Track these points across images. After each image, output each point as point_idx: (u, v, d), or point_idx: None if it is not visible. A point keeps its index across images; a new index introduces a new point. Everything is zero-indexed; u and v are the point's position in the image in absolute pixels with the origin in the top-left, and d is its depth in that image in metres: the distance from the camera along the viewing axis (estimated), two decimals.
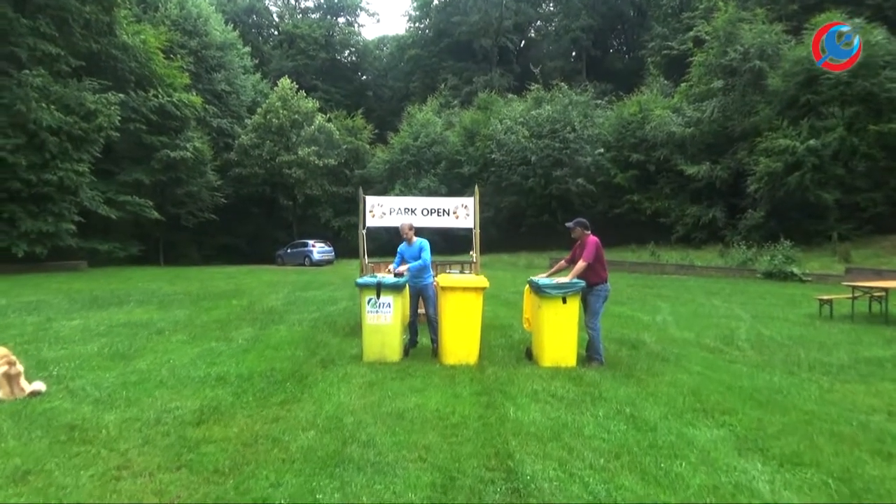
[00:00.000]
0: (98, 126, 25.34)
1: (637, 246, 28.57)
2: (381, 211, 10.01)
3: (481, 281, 7.21)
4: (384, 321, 7.04)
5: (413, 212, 9.99)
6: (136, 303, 13.13)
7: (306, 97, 41.38)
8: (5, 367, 5.48)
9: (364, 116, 47.20)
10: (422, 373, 6.47)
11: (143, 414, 4.97)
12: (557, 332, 6.83)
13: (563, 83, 36.54)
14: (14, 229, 23.45)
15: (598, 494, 3.51)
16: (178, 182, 33.63)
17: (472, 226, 10.04)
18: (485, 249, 30.46)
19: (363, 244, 10.04)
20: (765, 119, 26.37)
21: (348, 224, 37.79)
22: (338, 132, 41.06)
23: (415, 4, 61.35)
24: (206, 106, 37.66)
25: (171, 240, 36.66)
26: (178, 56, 34.85)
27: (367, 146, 44.66)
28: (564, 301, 6.82)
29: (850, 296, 11.29)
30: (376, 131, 46.16)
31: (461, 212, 10.05)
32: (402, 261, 8.04)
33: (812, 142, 23.60)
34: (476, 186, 11.13)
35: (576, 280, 6.95)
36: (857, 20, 24.48)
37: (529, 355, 7.32)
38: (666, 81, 36.88)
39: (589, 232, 7.26)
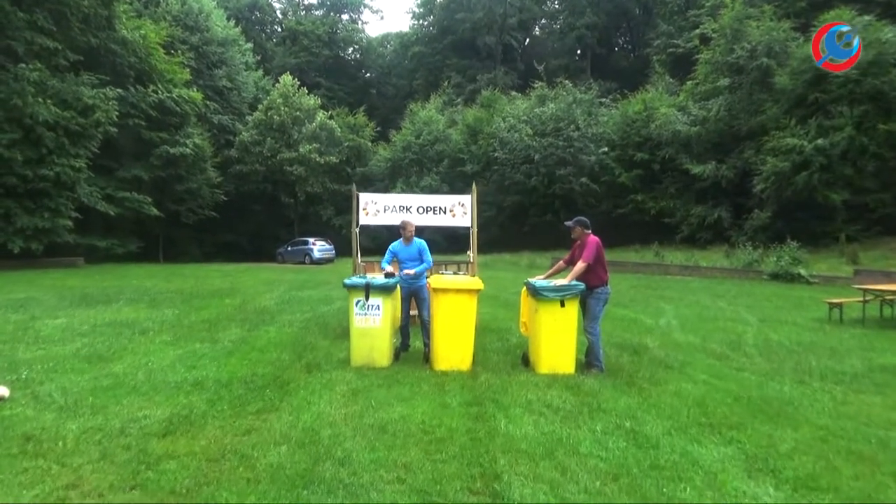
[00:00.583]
0: (96, 121, 25.05)
1: (640, 246, 28.18)
2: (375, 208, 9.66)
3: (475, 283, 6.84)
4: (373, 324, 6.68)
5: (408, 209, 9.64)
6: (127, 301, 12.81)
7: (308, 94, 41.05)
8: None
9: (367, 114, 46.92)
10: (411, 380, 6.12)
11: (107, 423, 4.63)
12: (555, 337, 6.47)
13: (567, 81, 36.11)
14: (10, 225, 23.15)
15: None
16: (178, 179, 33.36)
17: (469, 224, 9.69)
18: (486, 249, 30.33)
19: (356, 242, 9.69)
20: (772, 118, 25.91)
21: (350, 222, 37.42)
22: (339, 129, 40.78)
23: (419, 1, 60.98)
24: (207, 102, 37.38)
25: (171, 237, 36.43)
26: (179, 52, 34.53)
27: (369, 144, 44.38)
28: (562, 304, 6.46)
29: (861, 299, 10.90)
30: (378, 129, 45.88)
31: (458, 210, 9.70)
32: (394, 260, 7.69)
33: (820, 141, 23.16)
34: (474, 184, 10.76)
35: (575, 282, 6.59)
36: (866, 17, 24.05)
37: (526, 361, 6.97)
38: (671, 80, 36.41)
39: (589, 231, 6.89)
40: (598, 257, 6.75)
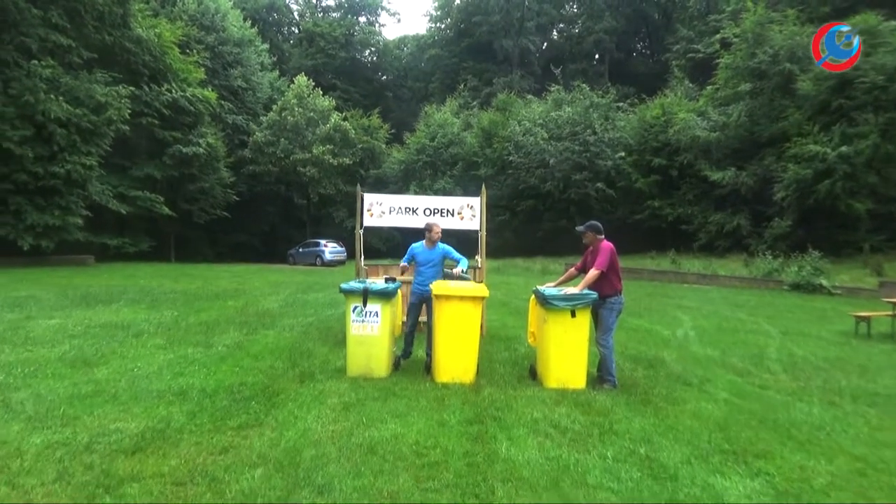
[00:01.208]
0: (108, 119, 24.91)
1: (657, 253, 27.63)
2: (380, 210, 9.28)
3: (480, 290, 6.42)
4: (370, 332, 6.29)
5: (414, 211, 9.26)
6: (127, 301, 12.53)
7: (323, 95, 40.86)
8: None
9: (382, 117, 46.66)
10: (409, 392, 5.71)
11: (74, 437, 4.26)
12: (565, 349, 6.05)
13: (584, 85, 35.63)
14: (20, 222, 23.03)
15: None
16: (191, 178, 33.26)
17: (478, 228, 9.28)
18: (499, 254, 29.86)
19: (360, 244, 9.31)
20: (794, 124, 25.24)
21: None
22: (353, 131, 40.53)
23: (436, 4, 60.73)
24: (222, 102, 37.30)
25: (183, 236, 36.31)
26: (195, 51, 34.48)
27: (383, 146, 44.12)
28: (573, 314, 6.03)
29: (892, 313, 10.35)
30: (392, 131, 45.60)
31: (467, 212, 9.29)
32: (412, 262, 7.24)
33: (844, 148, 22.49)
34: (483, 186, 10.35)
35: (587, 291, 6.16)
36: (893, 23, 23.41)
37: (533, 374, 6.54)
38: (691, 85, 35.79)
39: (602, 237, 6.46)
40: (612, 265, 6.32)
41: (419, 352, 7.47)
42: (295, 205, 43.40)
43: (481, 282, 8.88)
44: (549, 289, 6.54)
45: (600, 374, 6.38)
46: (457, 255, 7.28)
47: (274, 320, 10.38)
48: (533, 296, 6.73)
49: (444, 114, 41.19)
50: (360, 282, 6.67)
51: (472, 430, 4.65)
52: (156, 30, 30.67)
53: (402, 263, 7.33)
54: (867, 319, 10.46)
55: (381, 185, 37.73)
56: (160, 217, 31.44)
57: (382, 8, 65.61)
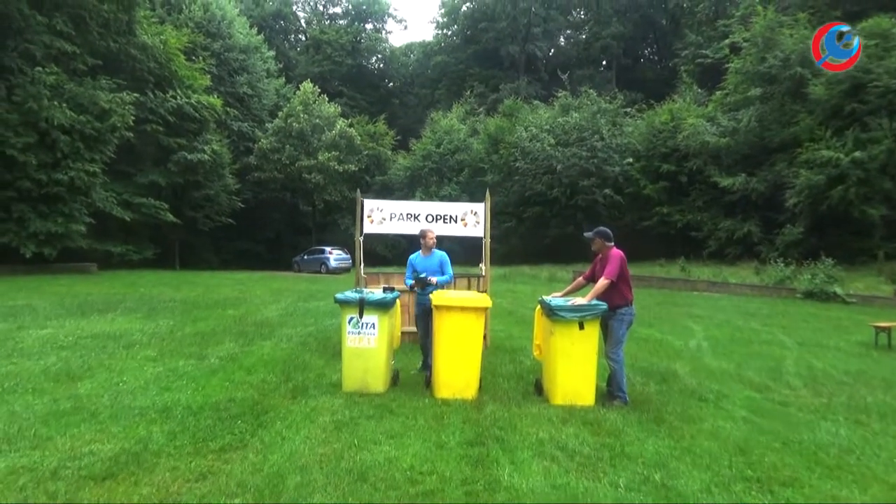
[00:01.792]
0: (111, 126, 24.74)
1: (666, 261, 27.19)
2: (381, 216, 8.97)
3: (482, 300, 6.07)
4: (367, 344, 5.96)
5: (416, 217, 8.95)
6: (125, 310, 12.25)
7: (328, 101, 40.70)
8: None
9: (389, 124, 46.50)
10: (406, 410, 5.38)
11: (42, 461, 3.95)
12: (572, 363, 5.70)
13: (591, 90, 35.30)
14: (23, 229, 22.86)
15: None
16: (196, 185, 33.12)
17: (482, 234, 8.95)
18: (506, 261, 29.48)
19: (359, 252, 9.00)
20: (805, 129, 24.82)
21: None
22: (359, 137, 40.31)
23: (442, 11, 60.60)
24: (228, 109, 37.18)
25: (189, 243, 36.12)
26: (201, 58, 34.40)
27: (389, 152, 43.91)
28: (581, 326, 5.69)
29: None
30: (398, 137, 45.39)
31: (470, 219, 8.97)
32: (415, 274, 7.01)
33: (857, 154, 22.06)
34: (487, 191, 10.03)
35: (596, 302, 5.82)
36: None
37: (539, 389, 6.19)
38: (699, 90, 35.41)
39: (612, 244, 6.12)
40: (622, 274, 5.98)
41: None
42: (300, 212, 43.19)
43: (485, 291, 8.56)
44: (555, 299, 6.20)
45: (610, 390, 6.04)
46: (448, 269, 7.06)
47: (272, 330, 10.08)
48: (538, 306, 6.39)
49: (450, 120, 40.94)
50: (356, 291, 6.35)
51: (473, 452, 4.31)
52: (161, 37, 30.58)
53: (409, 282, 7.09)
54: (887, 330, 10.05)
55: (386, 192, 37.46)
56: (165, 224, 31.28)
57: (389, 15, 65.68)
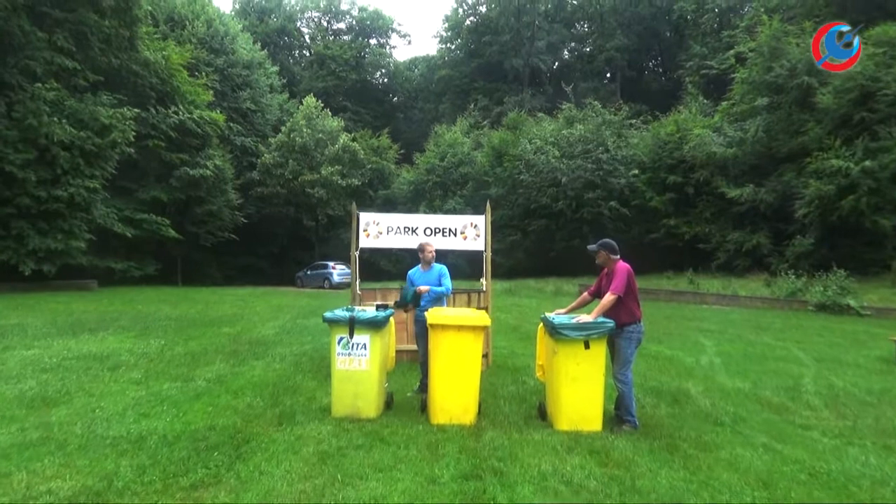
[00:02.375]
0: (112, 142, 24.54)
1: (674, 273, 26.75)
2: (377, 230, 8.62)
3: (481, 318, 5.69)
4: (358, 366, 5.59)
5: (414, 231, 8.59)
6: (117, 329, 11.91)
7: (331, 116, 40.60)
8: None
9: (393, 138, 46.36)
10: (399, 438, 4.99)
11: None
12: (578, 385, 5.31)
13: (596, 102, 35.04)
14: (22, 246, 22.59)
15: None
16: (198, 201, 32.90)
17: (482, 248, 8.59)
18: (511, 275, 29.08)
19: (355, 268, 8.65)
20: (814, 139, 24.41)
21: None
22: (362, 151, 40.12)
23: (446, 25, 60.66)
24: (231, 124, 37.07)
25: (192, 259, 35.85)
26: (204, 74, 34.33)
27: (393, 166, 43.71)
28: (587, 346, 5.31)
29: None
30: (402, 151, 45.22)
31: (470, 232, 8.61)
32: (404, 293, 6.73)
33: (868, 163, 21.62)
34: (488, 202, 9.68)
35: (602, 319, 5.44)
36: None
37: (543, 413, 5.79)
38: (705, 101, 35.10)
39: (617, 257, 5.75)
40: (630, 288, 5.60)
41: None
42: (304, 226, 42.95)
43: (485, 307, 8.20)
44: (558, 316, 5.81)
45: (618, 414, 5.64)
46: (446, 282, 6.79)
47: (266, 349, 9.72)
48: (541, 324, 6.01)
49: (454, 133, 40.74)
50: (346, 309, 5.98)
51: (468, 488, 3.92)
52: (164, 52, 30.51)
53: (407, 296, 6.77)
54: None
55: (390, 206, 37.19)
56: (167, 240, 31.04)
57: (393, 30, 65.89)
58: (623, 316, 5.56)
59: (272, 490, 3.82)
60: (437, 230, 8.57)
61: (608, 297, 5.51)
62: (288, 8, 63.37)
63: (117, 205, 28.24)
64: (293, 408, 5.91)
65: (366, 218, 8.71)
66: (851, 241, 22.95)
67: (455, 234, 8.56)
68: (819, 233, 23.26)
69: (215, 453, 4.52)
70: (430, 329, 5.66)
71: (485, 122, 46.27)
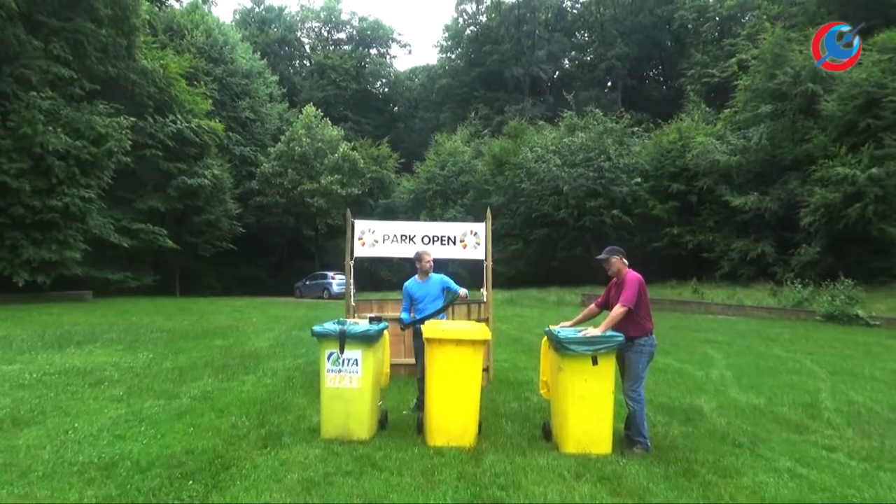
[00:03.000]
0: (108, 151, 24.22)
1: (677, 282, 26.34)
2: (373, 238, 8.26)
3: (480, 331, 5.30)
4: (349, 384, 5.22)
5: (411, 239, 8.23)
6: (106, 341, 11.52)
7: (331, 125, 40.38)
8: None
9: (394, 147, 46.10)
10: (392, 462, 4.60)
11: None
12: (585, 404, 4.94)
13: (597, 110, 34.78)
14: (16, 257, 22.25)
15: None
16: (196, 210, 32.60)
17: (482, 257, 8.23)
18: (512, 284, 28.69)
19: (350, 278, 8.28)
20: (819, 146, 24.09)
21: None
22: (362, 161, 39.84)
23: (446, 35, 60.64)
24: (230, 134, 36.87)
25: (191, 270, 35.54)
26: (203, 83, 34.12)
27: (393, 175, 43.44)
28: (595, 361, 4.94)
29: None
30: (402, 160, 44.96)
31: (470, 240, 8.25)
32: (412, 304, 6.34)
33: (874, 170, 21.27)
34: (488, 209, 9.32)
35: (611, 332, 5.07)
36: None
37: (548, 434, 5.40)
38: (707, 109, 34.82)
39: (627, 264, 5.40)
40: (641, 299, 5.24)
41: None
42: (303, 236, 42.65)
43: (486, 319, 7.82)
44: (564, 329, 5.45)
45: (628, 434, 5.26)
46: (454, 285, 6.36)
47: (258, 363, 9.35)
48: (545, 338, 5.64)
49: (454, 142, 40.49)
50: (337, 322, 5.60)
51: None
52: (161, 61, 30.28)
53: (405, 316, 6.43)
54: None
55: (390, 215, 36.86)
56: (165, 250, 30.72)
57: (393, 40, 65.92)
58: (633, 329, 5.19)
59: None
60: (436, 238, 8.22)
61: (618, 310, 5.14)
62: (288, 18, 63.43)
63: (114, 215, 27.96)
64: (280, 428, 5.53)
65: (361, 226, 8.35)
66: (858, 249, 22.58)
67: (454, 243, 8.21)
68: (825, 241, 22.88)
69: (190, 482, 4.14)
70: (426, 343, 5.29)
71: (485, 131, 46.04)
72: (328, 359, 5.22)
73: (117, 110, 25.57)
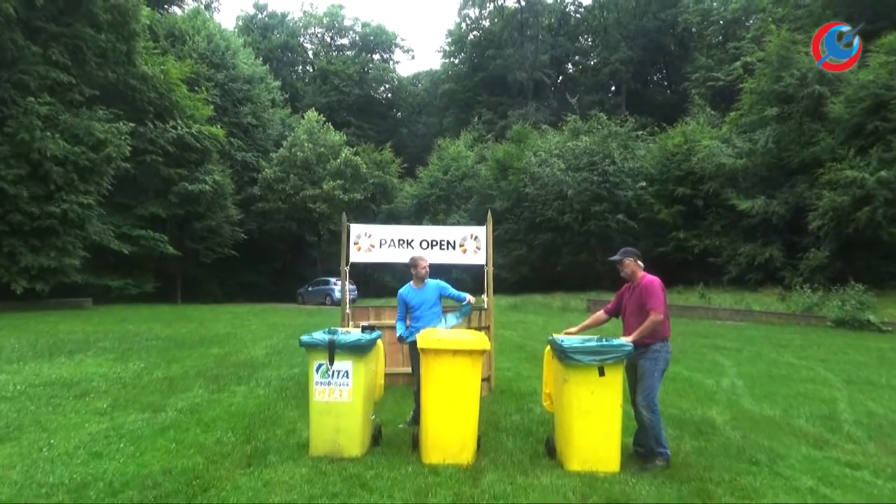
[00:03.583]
0: (107, 157, 24.00)
1: (684, 287, 25.96)
2: (369, 242, 7.95)
3: (479, 341, 4.96)
4: (339, 397, 4.90)
5: (409, 244, 7.92)
6: (98, 350, 11.23)
7: (333, 130, 40.16)
8: None
9: (397, 152, 45.82)
10: (383, 483, 4.28)
11: None
12: (592, 419, 4.61)
13: (601, 114, 34.49)
14: (14, 265, 22.00)
15: None
16: (198, 216, 32.33)
17: (483, 262, 7.91)
18: (517, 289, 28.34)
19: (345, 284, 7.96)
20: (826, 149, 23.75)
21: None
22: (365, 166, 39.57)
23: (449, 40, 60.55)
24: (231, 139, 36.67)
25: (192, 276, 35.24)
26: (204, 88, 33.92)
27: (395, 180, 43.18)
28: (602, 372, 4.61)
29: None
30: (405, 165, 44.69)
31: (470, 244, 7.93)
32: (407, 312, 6.05)
33: (884, 173, 20.90)
34: (489, 212, 9.00)
35: (620, 342, 4.74)
36: None
37: (552, 450, 5.06)
38: (712, 112, 34.50)
39: (642, 267, 5.10)
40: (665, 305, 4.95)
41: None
42: (306, 242, 42.40)
43: (487, 327, 7.50)
44: (568, 338, 5.11)
45: (637, 449, 4.93)
46: (454, 291, 6.08)
47: (253, 372, 9.04)
48: (548, 347, 5.32)
49: (457, 147, 40.25)
50: (328, 331, 5.29)
51: None
52: (162, 67, 30.11)
53: (400, 325, 6.21)
54: None
55: (393, 220, 36.55)
56: (166, 257, 30.47)
57: (396, 45, 65.83)
58: (650, 334, 4.88)
59: None
60: (434, 243, 7.90)
61: (653, 319, 4.82)
62: (291, 24, 63.41)
63: (115, 221, 27.73)
64: (267, 444, 5.22)
65: (357, 230, 8.04)
66: (867, 253, 22.25)
67: (454, 247, 7.89)
68: (834, 245, 22.53)
69: None
70: (421, 354, 4.96)
71: (489, 136, 45.81)
72: (317, 370, 4.93)
73: (117, 116, 25.35)
